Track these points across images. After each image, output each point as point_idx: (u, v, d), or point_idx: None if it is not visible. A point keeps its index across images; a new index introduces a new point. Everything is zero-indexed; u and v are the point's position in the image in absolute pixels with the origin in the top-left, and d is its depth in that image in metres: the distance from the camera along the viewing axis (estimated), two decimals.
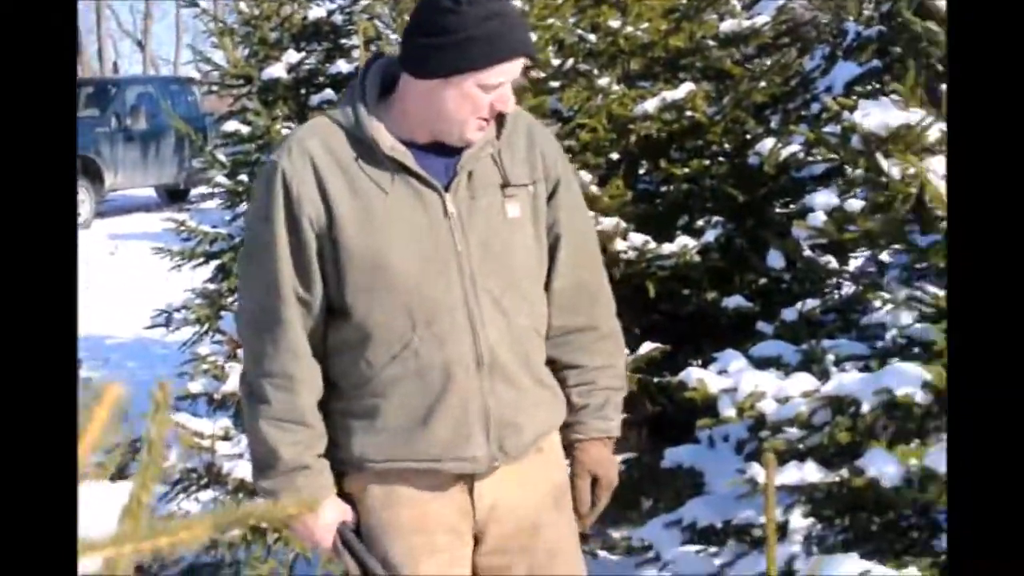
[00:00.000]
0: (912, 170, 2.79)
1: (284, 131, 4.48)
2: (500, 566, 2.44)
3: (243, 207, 5.05)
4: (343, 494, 2.39)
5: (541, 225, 2.40)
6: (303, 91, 5.06)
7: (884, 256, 4.28)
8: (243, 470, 3.92)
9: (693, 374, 3.17)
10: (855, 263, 4.68)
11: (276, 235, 2.27)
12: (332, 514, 2.35)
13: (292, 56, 5.08)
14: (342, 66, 4.94)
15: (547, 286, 2.43)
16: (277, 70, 5.05)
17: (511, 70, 2.25)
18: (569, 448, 2.49)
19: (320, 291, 2.30)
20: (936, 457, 2.74)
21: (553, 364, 2.46)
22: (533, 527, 2.43)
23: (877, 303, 3.30)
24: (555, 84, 4.24)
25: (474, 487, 2.37)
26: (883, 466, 2.77)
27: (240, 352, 4.01)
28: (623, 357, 2.62)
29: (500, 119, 2.33)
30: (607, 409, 2.48)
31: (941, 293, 3.03)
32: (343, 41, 5.23)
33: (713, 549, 3.42)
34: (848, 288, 4.10)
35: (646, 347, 3.82)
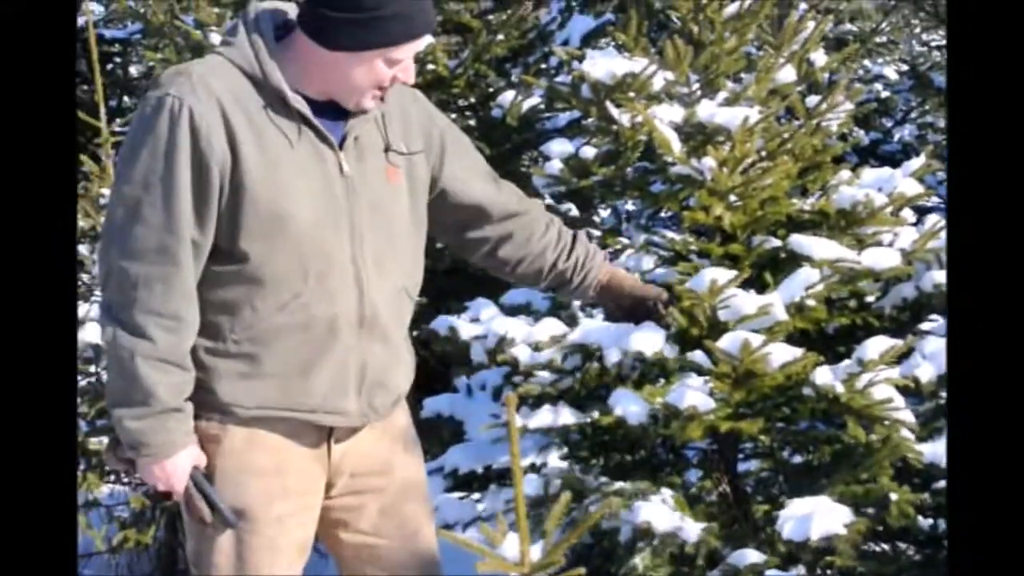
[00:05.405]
0: (639, 118, 2.90)
1: None
2: (353, 506, 2.55)
3: None
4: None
5: (418, 195, 2.49)
6: None
7: (630, 206, 4.43)
8: None
9: (445, 323, 3.22)
10: (605, 214, 4.81)
11: (178, 174, 2.25)
12: (189, 459, 2.36)
13: None
14: None
15: (493, 218, 2.62)
16: None
17: (418, 46, 2.33)
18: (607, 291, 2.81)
19: (211, 235, 2.30)
20: (678, 393, 2.84)
21: (528, 241, 2.69)
22: (386, 468, 2.56)
23: (618, 248, 3.42)
24: None
25: (332, 432, 2.46)
26: (628, 405, 2.86)
27: None
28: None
29: None
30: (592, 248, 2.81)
31: (678, 237, 3.17)
32: None
33: (476, 495, 3.48)
34: (598, 238, 4.21)
35: None
